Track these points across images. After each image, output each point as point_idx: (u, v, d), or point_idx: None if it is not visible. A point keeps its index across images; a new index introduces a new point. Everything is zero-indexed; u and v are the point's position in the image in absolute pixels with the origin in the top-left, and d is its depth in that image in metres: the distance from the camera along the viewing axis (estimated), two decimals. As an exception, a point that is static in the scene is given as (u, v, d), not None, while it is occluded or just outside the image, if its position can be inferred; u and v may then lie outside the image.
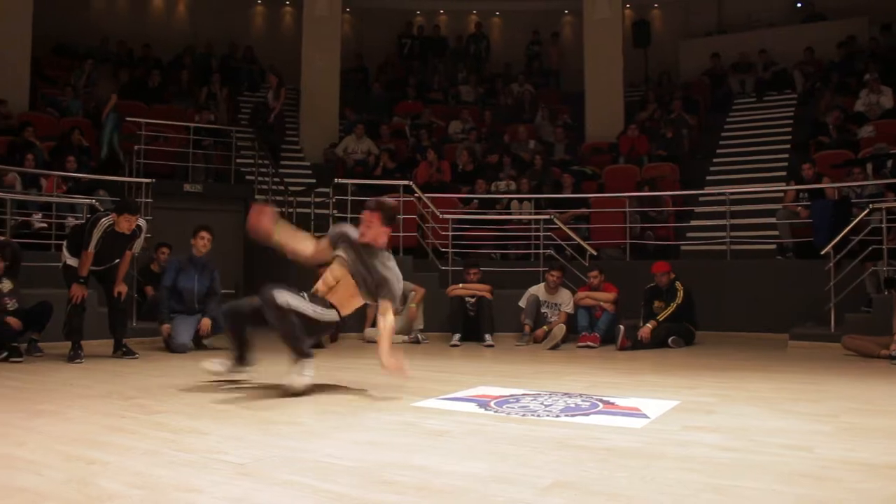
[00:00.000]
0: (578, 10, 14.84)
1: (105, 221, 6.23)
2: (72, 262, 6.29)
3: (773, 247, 9.47)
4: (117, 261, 6.49)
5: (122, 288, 6.57)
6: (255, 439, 3.22)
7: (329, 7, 14.06)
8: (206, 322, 7.26)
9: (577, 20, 15.64)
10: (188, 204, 10.72)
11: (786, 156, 11.73)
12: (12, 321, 6.17)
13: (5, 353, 5.95)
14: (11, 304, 6.34)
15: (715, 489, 2.45)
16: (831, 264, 7.62)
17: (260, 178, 11.62)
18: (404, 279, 8.27)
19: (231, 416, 3.78)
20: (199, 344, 7.28)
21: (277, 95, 12.23)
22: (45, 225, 8.73)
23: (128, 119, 11.05)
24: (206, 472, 2.66)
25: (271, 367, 5.64)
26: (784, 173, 11.03)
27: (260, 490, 2.46)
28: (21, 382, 4.95)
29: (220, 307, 7.40)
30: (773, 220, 9.42)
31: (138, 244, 6.67)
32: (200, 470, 2.70)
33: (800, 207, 9.10)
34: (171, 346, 7.06)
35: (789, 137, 12.30)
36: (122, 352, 6.44)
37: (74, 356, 6.09)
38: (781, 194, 9.75)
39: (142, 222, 6.51)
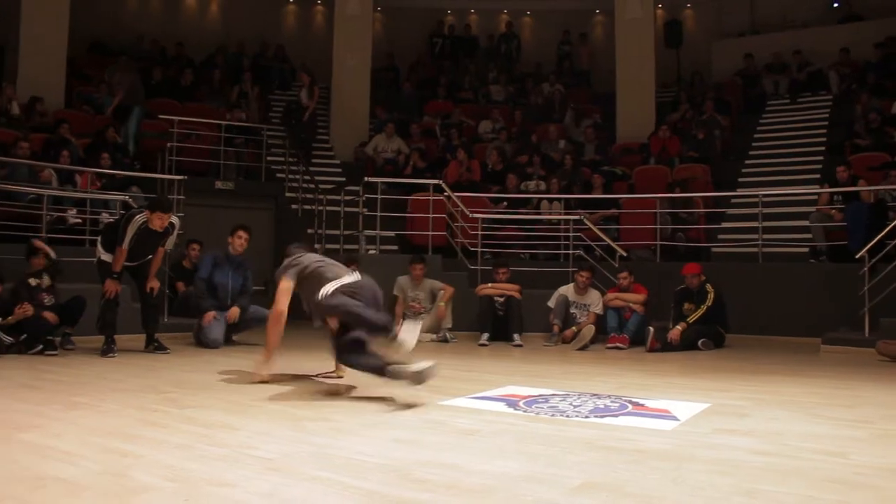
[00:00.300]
0: (610, 9, 14.75)
1: (139, 219, 6.31)
2: (106, 257, 6.39)
3: (805, 250, 9.35)
4: (150, 257, 6.57)
5: (154, 284, 6.65)
6: (285, 435, 3.24)
7: (360, 6, 14.11)
8: (234, 310, 7.32)
9: (609, 20, 15.55)
10: (219, 201, 10.83)
11: (820, 158, 11.58)
12: (49, 315, 6.28)
13: (40, 347, 6.04)
14: (49, 300, 6.45)
15: (747, 493, 2.43)
16: (866, 268, 7.50)
17: (290, 176, 11.70)
18: (434, 278, 8.37)
19: (261, 411, 3.81)
20: (229, 339, 7.35)
21: (311, 94, 12.30)
22: (79, 221, 8.85)
23: (160, 117, 11.19)
24: (237, 467, 2.69)
25: (304, 363, 5.69)
26: (818, 176, 10.88)
27: (289, 485, 2.48)
28: (57, 375, 5.03)
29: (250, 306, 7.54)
30: (806, 222, 9.30)
31: (171, 241, 6.75)
32: (231, 464, 2.72)
33: (834, 210, 8.97)
34: (202, 341, 7.12)
35: (824, 139, 12.13)
36: (153, 346, 6.53)
37: (108, 350, 6.17)
38: (815, 197, 9.62)
39: (174, 219, 6.59)
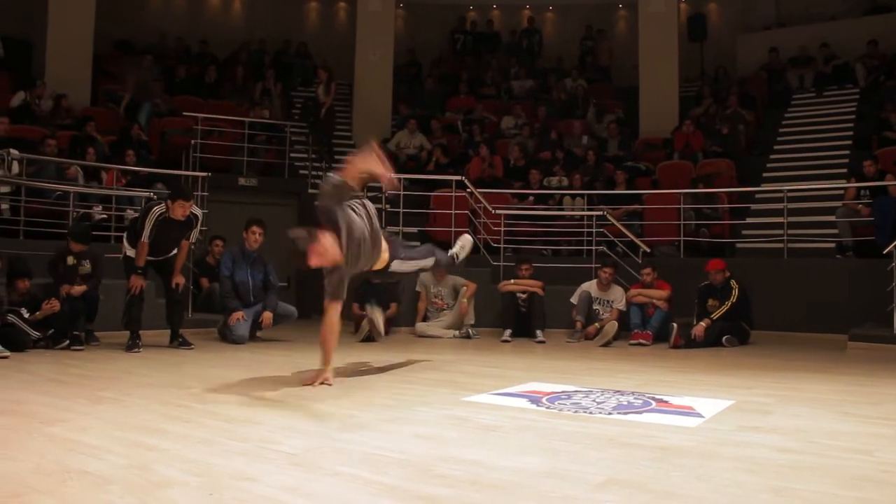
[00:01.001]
0: (633, 3, 14.67)
1: (157, 210, 6.35)
2: (131, 252, 6.44)
3: (832, 245, 9.25)
4: (175, 251, 6.61)
5: (179, 279, 6.70)
6: (308, 430, 3.26)
7: (382, 2, 14.14)
8: (267, 315, 7.36)
9: (632, 14, 15.45)
10: (243, 198, 10.89)
11: (846, 152, 11.43)
12: (76, 290, 6.36)
13: (67, 342, 6.12)
14: (79, 288, 6.50)
15: (773, 490, 2.41)
16: (894, 264, 7.41)
17: (313, 173, 11.74)
18: (456, 274, 8.39)
19: (284, 406, 3.83)
20: (253, 335, 7.39)
21: (328, 90, 12.32)
22: (105, 217, 8.95)
23: (184, 114, 11.27)
24: (260, 462, 2.70)
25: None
26: (844, 170, 10.75)
27: (312, 480, 2.49)
28: (82, 370, 5.09)
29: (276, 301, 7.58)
30: (832, 218, 9.20)
31: (194, 234, 6.78)
32: (254, 459, 2.74)
33: (861, 205, 8.87)
34: (228, 337, 7.17)
35: (850, 133, 11.96)
36: (178, 342, 6.58)
37: (132, 346, 6.23)
38: (841, 192, 9.52)
39: (197, 211, 6.63)
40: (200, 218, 6.76)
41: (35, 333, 6.07)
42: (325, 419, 3.49)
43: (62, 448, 2.85)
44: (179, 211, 6.36)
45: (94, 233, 8.41)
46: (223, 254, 7.92)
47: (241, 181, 11.10)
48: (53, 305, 6.16)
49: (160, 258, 6.56)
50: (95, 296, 6.63)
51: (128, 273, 6.46)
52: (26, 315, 6.04)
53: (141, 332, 6.40)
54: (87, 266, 6.65)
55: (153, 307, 6.97)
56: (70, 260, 6.61)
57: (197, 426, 3.30)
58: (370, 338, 7.53)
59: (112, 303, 6.65)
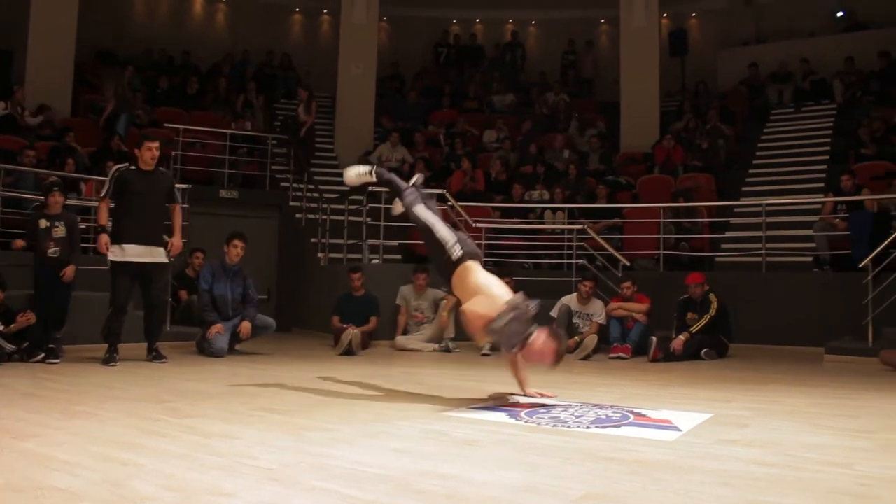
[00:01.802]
0: (615, 18, 14.77)
1: (119, 166, 6.39)
2: (113, 255, 6.31)
3: (809, 259, 9.33)
4: (164, 223, 6.50)
5: (177, 242, 6.51)
6: (285, 444, 3.23)
7: (366, 15, 14.15)
8: (246, 326, 7.32)
9: (614, 29, 15.57)
10: (224, 210, 10.86)
11: (824, 167, 11.56)
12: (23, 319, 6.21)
13: (42, 355, 6.05)
14: (53, 251, 6.43)
15: (749, 505, 2.41)
16: (869, 278, 7.49)
17: (294, 186, 11.72)
18: (437, 288, 8.38)
19: (261, 421, 3.80)
20: (232, 349, 7.34)
21: (308, 109, 12.29)
22: (83, 228, 8.86)
23: (166, 125, 11.22)
24: (236, 477, 2.68)
25: (302, 373, 5.68)
26: (822, 185, 10.87)
27: (288, 496, 2.47)
28: (57, 384, 5.03)
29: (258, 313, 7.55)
30: (810, 232, 9.28)
31: (178, 193, 6.67)
32: (230, 474, 2.71)
33: (838, 219, 8.96)
34: (206, 350, 7.12)
35: (828, 148, 12.11)
36: (152, 356, 6.48)
37: (109, 359, 6.15)
38: (819, 206, 9.61)
39: (168, 172, 6.65)
40: (174, 181, 6.69)
41: (9, 346, 6.00)
42: (302, 433, 3.47)
43: (34, 464, 2.80)
44: (147, 154, 6.30)
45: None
46: (203, 267, 7.87)
47: (223, 193, 11.06)
48: (29, 318, 6.09)
49: (145, 231, 6.34)
50: (66, 300, 6.51)
51: (113, 278, 6.35)
52: (0, 328, 5.97)
53: (120, 345, 6.32)
54: (61, 229, 6.55)
55: (133, 320, 6.88)
56: (43, 223, 6.52)
57: (173, 441, 3.27)
58: (350, 351, 7.52)
59: (90, 314, 6.57)
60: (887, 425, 3.93)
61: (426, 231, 4.70)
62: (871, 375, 6.24)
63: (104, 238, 6.24)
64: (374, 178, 5.00)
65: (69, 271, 6.58)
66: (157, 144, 6.42)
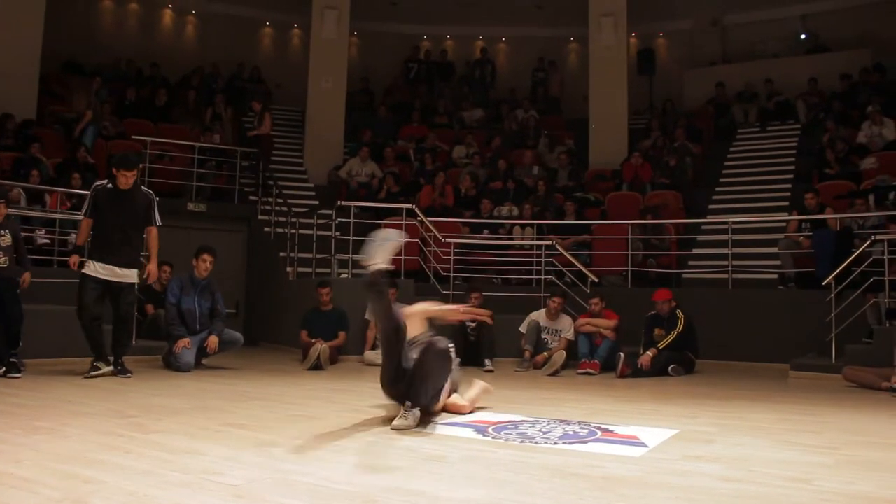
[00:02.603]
0: (584, 37, 14.92)
1: (99, 184, 6.34)
2: (87, 269, 6.25)
3: (774, 276, 9.46)
4: (132, 240, 6.42)
5: (152, 268, 6.50)
6: (251, 461, 3.20)
7: (337, 30, 14.14)
8: (213, 340, 7.24)
9: (583, 47, 15.72)
10: (192, 223, 10.76)
11: (788, 186, 11.75)
12: None
13: (3, 370, 5.93)
14: (2, 261, 6.30)
15: (713, 520, 2.43)
16: (832, 295, 7.61)
17: (263, 199, 11.66)
18: (405, 303, 8.36)
19: (228, 436, 3.76)
20: (198, 363, 7.27)
21: (261, 121, 12.23)
22: (48, 241, 8.75)
23: (133, 137, 11.11)
24: (201, 494, 2.65)
25: (270, 388, 5.64)
26: (786, 203, 11.03)
27: (254, 513, 2.45)
28: (18, 399, 4.93)
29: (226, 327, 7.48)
30: (775, 249, 9.41)
31: (157, 217, 6.58)
32: (196, 491, 2.68)
33: (802, 237, 9.09)
34: (172, 365, 7.03)
35: (792, 167, 12.31)
36: (117, 370, 6.38)
37: (93, 370, 6.10)
38: (784, 224, 9.75)
39: (150, 192, 6.56)
40: (155, 200, 6.59)
41: (-31, 361, 5.88)
42: (269, 449, 3.44)
43: (-7, 480, 2.75)
44: (122, 181, 6.25)
45: (36, 257, 8.27)
46: (171, 280, 7.80)
47: (190, 206, 10.97)
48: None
49: (115, 256, 6.26)
50: (20, 317, 6.39)
51: (80, 291, 6.26)
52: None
53: (80, 359, 6.21)
54: (6, 237, 6.42)
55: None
56: None
57: (137, 457, 3.22)
58: (318, 366, 7.47)
59: (50, 327, 6.45)
60: (849, 441, 3.99)
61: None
62: (835, 392, 6.33)
63: (75, 258, 6.23)
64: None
65: (27, 278, 6.46)
66: (133, 174, 6.35)
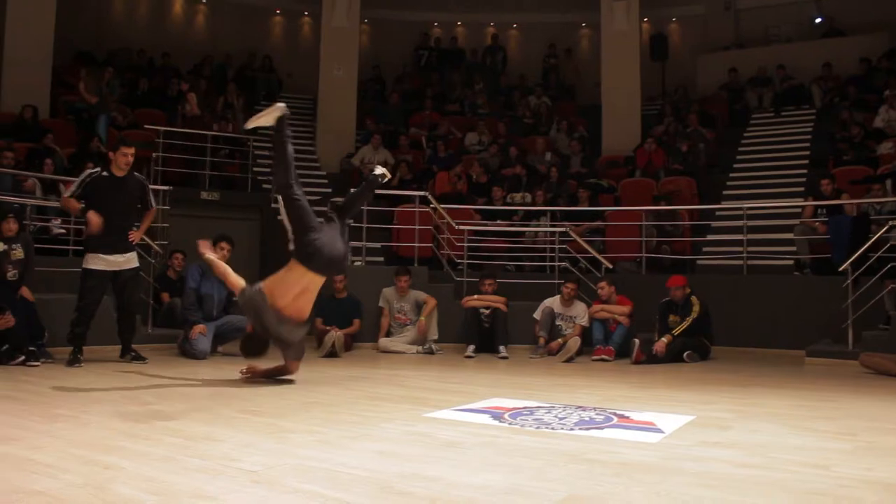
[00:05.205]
0: (596, 23, 14.83)
1: (91, 170, 6.35)
2: (88, 263, 6.30)
3: (790, 262, 9.39)
4: (134, 227, 6.49)
5: (136, 234, 6.51)
6: (268, 447, 3.22)
7: (347, 18, 14.12)
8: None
9: (595, 33, 15.64)
10: (205, 212, 10.78)
11: (804, 171, 11.65)
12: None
13: (22, 358, 5.98)
14: (12, 273, 6.35)
15: (731, 506, 2.43)
16: (849, 281, 7.55)
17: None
18: (419, 290, 8.40)
19: (245, 423, 3.78)
20: (214, 350, 7.31)
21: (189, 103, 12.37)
22: (63, 231, 8.79)
23: (146, 127, 11.14)
24: (220, 479, 2.66)
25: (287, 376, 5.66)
26: (802, 189, 10.94)
27: (272, 498, 2.46)
28: (38, 387, 4.97)
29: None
30: (790, 235, 9.34)
31: (151, 200, 6.64)
32: (214, 477, 2.70)
33: (818, 223, 9.02)
34: (188, 352, 7.08)
35: (807, 153, 12.20)
36: (130, 356, 6.44)
37: (73, 360, 6.13)
38: (799, 210, 9.68)
39: (144, 179, 6.61)
40: (148, 186, 6.64)
41: (-11, 349, 5.93)
42: (286, 436, 3.46)
43: (14, 468, 2.78)
44: (122, 159, 6.29)
45: (51, 246, 8.32)
46: (191, 266, 7.84)
47: (204, 195, 10.98)
48: (8, 321, 6.01)
49: (114, 237, 6.30)
50: (34, 316, 6.43)
51: (82, 283, 6.32)
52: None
53: (98, 347, 6.27)
54: (19, 251, 6.48)
55: (109, 321, 6.81)
56: (0, 247, 6.45)
57: (156, 443, 3.25)
58: (333, 353, 7.50)
59: (64, 318, 6.47)
60: (866, 427, 3.97)
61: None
62: (852, 378, 6.29)
63: (91, 214, 6.15)
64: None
65: (24, 292, 6.46)
66: (132, 150, 6.42)
